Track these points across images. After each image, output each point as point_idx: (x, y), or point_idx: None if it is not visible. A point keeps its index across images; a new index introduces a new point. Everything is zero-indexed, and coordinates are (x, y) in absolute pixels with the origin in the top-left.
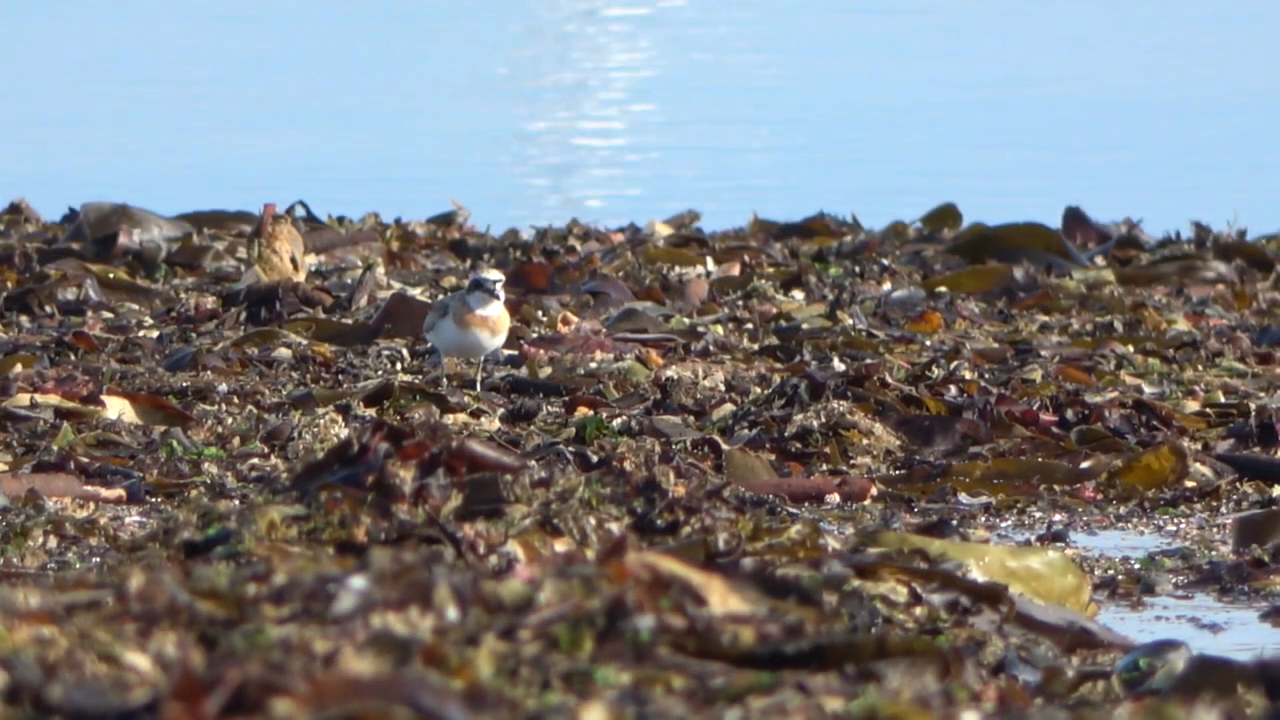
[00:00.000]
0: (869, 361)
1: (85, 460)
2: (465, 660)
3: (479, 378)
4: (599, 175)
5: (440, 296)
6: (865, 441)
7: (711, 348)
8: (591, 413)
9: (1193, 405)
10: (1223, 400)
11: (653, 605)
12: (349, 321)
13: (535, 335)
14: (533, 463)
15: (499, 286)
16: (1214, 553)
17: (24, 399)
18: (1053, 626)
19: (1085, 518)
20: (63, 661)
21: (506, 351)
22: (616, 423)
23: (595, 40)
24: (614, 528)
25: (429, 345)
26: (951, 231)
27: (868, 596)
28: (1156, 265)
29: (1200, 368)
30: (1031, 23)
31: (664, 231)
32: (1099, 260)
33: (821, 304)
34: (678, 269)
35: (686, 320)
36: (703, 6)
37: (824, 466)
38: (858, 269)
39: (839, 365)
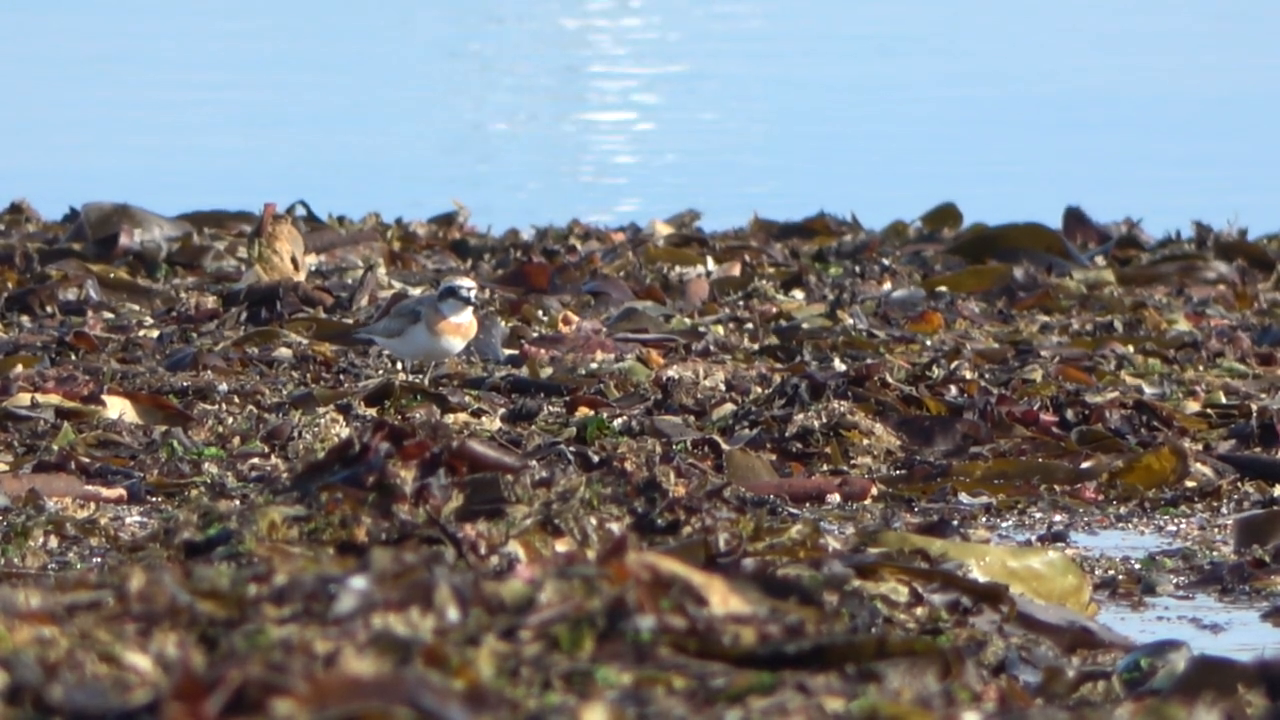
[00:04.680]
0: (869, 361)
1: (86, 460)
2: (466, 660)
3: (429, 376)
4: (599, 175)
5: (394, 304)
6: (866, 441)
7: (712, 348)
8: (592, 413)
9: (1193, 405)
10: (1224, 401)
11: (653, 605)
12: (350, 321)
13: (536, 335)
14: (534, 463)
15: (473, 294)
16: (1215, 553)
17: (25, 399)
18: (1053, 626)
19: (1086, 518)
20: (63, 662)
21: (507, 351)
22: (617, 423)
23: (596, 39)
24: (615, 528)
25: (381, 350)
26: (952, 231)
27: (868, 596)
28: (1157, 265)
29: (1201, 368)
30: (1032, 22)
31: (664, 231)
32: (1099, 260)
33: (822, 304)
34: (678, 269)
35: (687, 320)
36: (704, 5)
37: (824, 466)
38: (858, 269)
39: (839, 365)
